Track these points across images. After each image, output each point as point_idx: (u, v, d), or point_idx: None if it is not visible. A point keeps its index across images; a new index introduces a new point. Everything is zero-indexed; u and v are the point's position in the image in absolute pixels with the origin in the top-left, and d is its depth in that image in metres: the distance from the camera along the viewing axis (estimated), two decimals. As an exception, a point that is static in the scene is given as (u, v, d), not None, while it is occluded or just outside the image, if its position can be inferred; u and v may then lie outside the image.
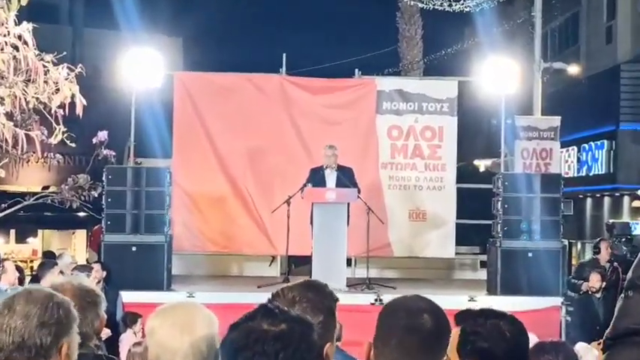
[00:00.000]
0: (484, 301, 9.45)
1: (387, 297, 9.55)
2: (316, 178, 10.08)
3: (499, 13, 20.06)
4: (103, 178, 9.92)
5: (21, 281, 8.27)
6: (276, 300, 2.48)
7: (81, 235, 21.82)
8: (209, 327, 2.62)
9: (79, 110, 6.81)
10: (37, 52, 6.83)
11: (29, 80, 6.89)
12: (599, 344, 4.96)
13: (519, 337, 2.50)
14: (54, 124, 7.18)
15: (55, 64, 6.97)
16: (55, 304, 2.45)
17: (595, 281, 10.28)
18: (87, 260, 13.02)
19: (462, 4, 17.75)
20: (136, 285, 9.43)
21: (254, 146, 11.75)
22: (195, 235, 11.63)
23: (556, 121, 12.74)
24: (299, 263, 11.82)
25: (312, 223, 9.94)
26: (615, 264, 10.55)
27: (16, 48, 6.73)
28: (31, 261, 19.51)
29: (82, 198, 9.63)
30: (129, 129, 11.16)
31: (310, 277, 9.78)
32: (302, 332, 1.86)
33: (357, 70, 12.27)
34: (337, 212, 9.79)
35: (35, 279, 8.30)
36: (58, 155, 9.03)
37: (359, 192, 10.00)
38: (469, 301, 9.35)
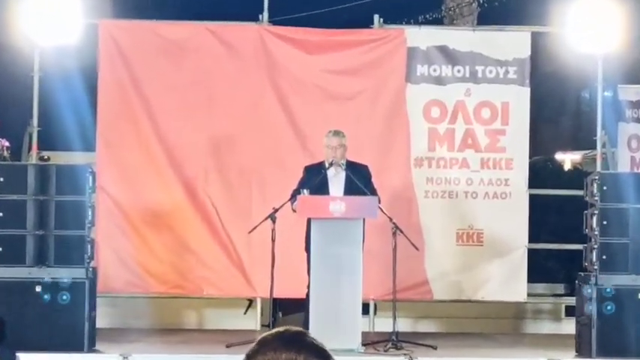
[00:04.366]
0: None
1: (424, 361, 9.59)
2: (314, 180, 10.10)
3: None
4: (-8, 182, 9.95)
5: None
6: None
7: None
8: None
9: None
10: None
11: None
12: None
13: None
14: None
15: None
16: None
17: None
18: (-33, 307, 13.05)
19: None
20: (42, 344, 9.44)
21: (220, 134, 11.80)
22: (132, 269, 11.67)
23: (681, 93, 12.76)
24: (289, 310, 11.84)
25: (307, 249, 9.99)
26: None
27: None
28: None
29: (-40, 212, 9.65)
30: (30, 108, 11.18)
31: (305, 329, 9.81)
32: None
33: (376, 17, 12.28)
34: (348, 233, 9.82)
35: None
36: None
37: (379, 202, 10.03)
38: (549, 367, 9.39)
